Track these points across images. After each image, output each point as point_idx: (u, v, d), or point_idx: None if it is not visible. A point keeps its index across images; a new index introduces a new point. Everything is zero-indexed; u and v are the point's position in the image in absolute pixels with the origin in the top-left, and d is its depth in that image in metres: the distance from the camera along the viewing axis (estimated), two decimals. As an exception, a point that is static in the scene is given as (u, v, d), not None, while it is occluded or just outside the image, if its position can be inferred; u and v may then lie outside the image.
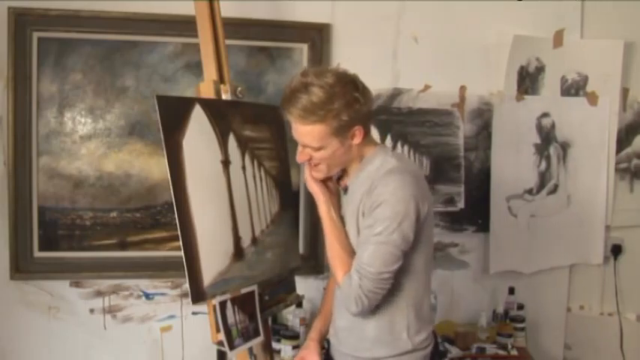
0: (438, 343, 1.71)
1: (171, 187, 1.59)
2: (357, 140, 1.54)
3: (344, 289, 1.53)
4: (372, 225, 1.49)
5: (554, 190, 2.63)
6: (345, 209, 1.66)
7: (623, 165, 2.70)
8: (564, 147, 2.64)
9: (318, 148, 1.54)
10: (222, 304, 1.69)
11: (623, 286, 2.70)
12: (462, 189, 2.57)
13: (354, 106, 1.49)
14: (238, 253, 1.77)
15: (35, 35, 2.24)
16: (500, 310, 2.54)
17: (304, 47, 2.43)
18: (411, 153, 2.53)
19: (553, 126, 2.62)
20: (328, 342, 1.79)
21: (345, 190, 1.67)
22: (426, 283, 1.63)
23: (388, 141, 2.51)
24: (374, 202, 1.49)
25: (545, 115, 2.61)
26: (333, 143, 1.52)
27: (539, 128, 2.61)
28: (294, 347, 2.22)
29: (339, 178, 1.72)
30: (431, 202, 1.57)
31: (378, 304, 1.54)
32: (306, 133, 1.52)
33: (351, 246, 1.59)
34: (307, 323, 2.35)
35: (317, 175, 1.63)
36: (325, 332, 1.82)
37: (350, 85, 1.50)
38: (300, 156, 1.60)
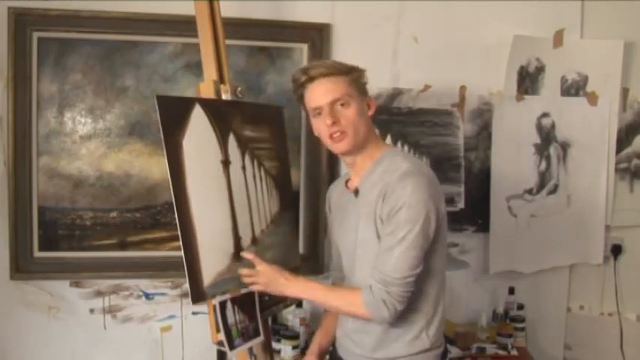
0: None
1: (171, 187, 1.59)
2: (371, 111, 1.63)
3: (368, 303, 1.51)
4: (394, 231, 1.49)
5: (554, 190, 2.63)
6: (357, 212, 1.63)
7: (623, 165, 2.70)
8: (564, 147, 2.64)
9: (347, 103, 1.57)
10: (222, 304, 1.69)
11: (623, 286, 2.70)
12: (462, 189, 2.57)
13: (363, 77, 1.64)
14: (238, 253, 1.77)
15: (35, 35, 2.24)
16: (500, 310, 2.54)
17: (304, 47, 2.43)
18: (411, 153, 2.53)
19: (553, 126, 2.62)
20: (333, 345, 1.79)
21: (356, 192, 1.66)
22: (442, 281, 1.63)
23: (388, 141, 2.51)
24: (393, 207, 1.50)
25: (545, 115, 2.61)
26: (357, 100, 1.59)
27: (539, 128, 2.61)
28: (294, 347, 2.22)
29: (347, 181, 1.72)
30: (444, 202, 1.58)
31: None
32: (335, 86, 1.57)
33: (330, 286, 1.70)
34: (307, 323, 2.36)
35: (341, 145, 1.59)
36: (326, 347, 1.84)
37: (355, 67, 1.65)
38: (327, 118, 1.57)
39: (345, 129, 1.58)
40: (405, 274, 1.48)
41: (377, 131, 1.72)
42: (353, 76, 1.59)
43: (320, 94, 1.58)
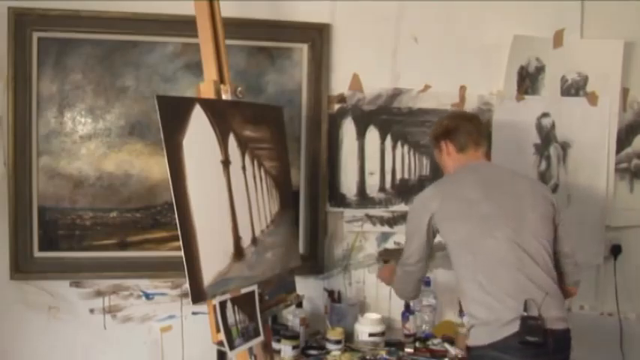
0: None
1: (171, 187, 1.59)
2: (444, 154, 2.08)
3: None
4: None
5: (554, 190, 2.62)
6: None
7: (623, 165, 2.70)
8: (564, 147, 2.64)
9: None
10: (222, 304, 1.69)
11: (623, 286, 2.70)
12: (462, 189, 2.57)
13: (434, 129, 2.16)
14: (238, 253, 1.77)
15: (35, 35, 2.24)
16: (501, 310, 2.54)
17: (304, 47, 2.43)
18: (411, 153, 2.53)
19: (553, 126, 2.62)
20: None
21: None
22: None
23: (388, 141, 2.51)
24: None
25: (545, 115, 2.61)
26: (435, 150, 2.15)
27: (539, 128, 2.61)
28: (294, 347, 2.22)
29: None
30: (451, 199, 1.92)
31: None
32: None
33: None
34: (307, 323, 2.36)
35: None
36: None
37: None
38: None
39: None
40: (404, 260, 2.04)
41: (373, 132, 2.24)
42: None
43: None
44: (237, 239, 1.78)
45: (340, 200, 2.51)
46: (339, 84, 2.47)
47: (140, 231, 2.36)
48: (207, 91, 1.87)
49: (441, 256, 2.58)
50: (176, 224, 1.60)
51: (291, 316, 2.36)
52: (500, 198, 1.89)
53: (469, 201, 1.88)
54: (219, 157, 1.78)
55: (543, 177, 2.62)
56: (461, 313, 2.40)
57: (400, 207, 2.54)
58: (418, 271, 2.03)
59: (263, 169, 1.97)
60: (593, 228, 2.66)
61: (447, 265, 2.58)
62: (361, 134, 2.50)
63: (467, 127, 2.04)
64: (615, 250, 2.70)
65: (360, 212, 2.52)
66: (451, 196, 1.93)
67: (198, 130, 1.71)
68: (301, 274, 2.31)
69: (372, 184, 2.53)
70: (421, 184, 2.53)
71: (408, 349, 2.24)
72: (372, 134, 2.51)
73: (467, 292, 1.86)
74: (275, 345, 2.22)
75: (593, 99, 2.62)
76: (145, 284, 2.41)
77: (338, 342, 2.26)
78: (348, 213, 2.52)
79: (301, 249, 2.42)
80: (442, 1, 2.50)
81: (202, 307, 2.06)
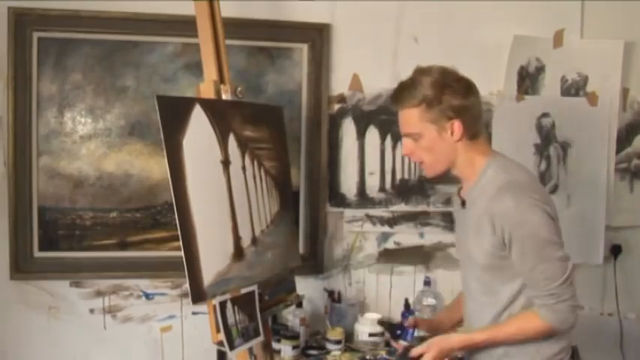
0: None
1: (171, 187, 1.59)
2: (456, 136, 1.55)
3: (554, 319, 1.49)
4: (524, 252, 1.49)
5: (554, 190, 2.62)
6: (465, 224, 1.64)
7: (623, 165, 2.70)
8: (564, 147, 2.64)
9: (417, 136, 1.57)
10: (222, 304, 1.69)
11: (623, 286, 2.70)
12: (462, 189, 2.57)
13: (448, 96, 1.53)
14: (238, 253, 1.77)
15: (35, 35, 2.24)
16: (501, 310, 2.54)
17: (304, 47, 2.43)
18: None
19: (553, 126, 2.62)
20: None
21: (463, 204, 1.66)
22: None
23: (388, 141, 2.51)
24: (504, 232, 1.49)
25: (545, 115, 2.61)
26: (429, 132, 1.55)
27: (539, 128, 2.61)
28: (294, 347, 2.22)
29: (460, 188, 1.71)
30: (551, 201, 1.59)
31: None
32: (404, 117, 1.59)
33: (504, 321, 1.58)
34: (307, 323, 2.36)
35: (425, 172, 1.65)
36: (445, 324, 1.84)
37: (450, 77, 1.56)
38: (403, 147, 1.64)
39: (420, 159, 1.62)
40: (563, 278, 1.48)
41: (483, 137, 1.64)
42: (422, 104, 1.54)
43: (399, 123, 1.63)
44: (237, 239, 1.78)
45: (340, 200, 2.51)
46: (339, 84, 2.47)
47: (140, 231, 2.35)
48: (207, 91, 1.87)
49: (441, 257, 2.59)
50: (176, 224, 1.60)
51: (291, 316, 2.36)
52: None
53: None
54: (219, 157, 1.78)
55: (543, 177, 2.62)
56: None
57: (400, 207, 2.54)
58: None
59: (263, 169, 1.97)
60: (593, 228, 2.66)
61: (447, 265, 2.59)
62: (361, 134, 2.50)
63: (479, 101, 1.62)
64: (615, 250, 2.70)
65: (360, 212, 2.52)
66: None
67: (198, 130, 1.71)
68: (301, 274, 2.31)
69: (372, 184, 2.53)
70: (421, 184, 2.53)
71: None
72: (372, 134, 2.51)
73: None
74: (275, 345, 2.22)
75: (593, 99, 2.62)
76: (145, 284, 2.41)
77: (338, 342, 2.26)
78: (348, 213, 2.52)
79: (301, 249, 2.42)
80: (442, 1, 2.50)
81: (202, 307, 2.06)
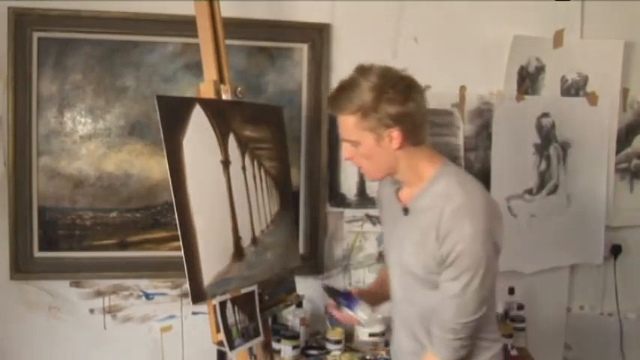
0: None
1: (171, 187, 1.60)
2: (395, 144, 1.48)
3: (445, 355, 1.49)
4: (458, 277, 1.43)
5: (554, 190, 2.63)
6: (405, 231, 1.57)
7: (623, 165, 2.70)
8: (564, 147, 2.63)
9: (355, 143, 1.52)
10: (222, 304, 1.69)
11: (623, 286, 2.69)
12: (462, 189, 2.57)
13: (385, 103, 1.45)
14: (238, 253, 1.77)
15: (35, 35, 2.24)
16: (500, 310, 2.54)
17: (304, 47, 2.43)
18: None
19: (553, 126, 2.62)
20: None
21: (405, 211, 1.57)
22: (494, 303, 1.60)
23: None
24: (451, 252, 1.43)
25: (545, 115, 2.61)
26: (367, 140, 1.49)
27: (539, 128, 2.61)
28: (294, 347, 2.22)
29: (397, 189, 1.63)
30: (502, 226, 1.49)
31: None
32: (342, 124, 1.53)
33: None
34: (307, 323, 2.36)
35: (365, 176, 1.63)
36: (376, 297, 1.77)
37: (390, 81, 1.47)
38: (343, 151, 1.60)
39: (360, 165, 1.57)
40: (471, 318, 1.45)
41: (428, 143, 1.56)
42: (359, 112, 1.46)
43: (338, 126, 1.56)
44: (237, 239, 1.78)
45: (340, 200, 2.51)
46: (339, 84, 2.47)
47: (140, 231, 2.35)
48: (207, 91, 1.87)
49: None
50: (176, 224, 1.60)
51: (291, 316, 2.36)
52: None
53: None
54: (219, 157, 1.78)
55: (543, 177, 2.62)
56: None
57: (400, 207, 2.53)
58: None
59: (263, 169, 1.97)
60: (593, 228, 2.66)
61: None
62: (361, 134, 2.50)
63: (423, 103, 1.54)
64: (615, 250, 2.70)
65: (360, 212, 2.52)
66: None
67: (198, 130, 1.72)
68: (301, 274, 2.31)
69: (372, 184, 2.52)
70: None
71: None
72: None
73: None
74: (275, 345, 2.22)
75: (593, 99, 2.62)
76: (145, 284, 2.41)
77: (338, 342, 2.26)
78: (348, 213, 2.52)
79: (301, 249, 2.42)
80: (442, 1, 2.50)
81: (202, 307, 2.05)
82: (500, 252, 1.49)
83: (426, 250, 1.48)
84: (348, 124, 1.50)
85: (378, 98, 1.45)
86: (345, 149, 1.56)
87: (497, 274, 1.51)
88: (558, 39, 2.57)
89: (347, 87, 1.50)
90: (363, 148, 1.51)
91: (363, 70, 1.50)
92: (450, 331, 1.46)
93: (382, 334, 2.30)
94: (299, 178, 2.45)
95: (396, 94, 1.45)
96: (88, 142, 2.32)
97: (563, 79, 2.62)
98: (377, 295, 1.78)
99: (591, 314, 2.72)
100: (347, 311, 1.67)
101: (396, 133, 1.47)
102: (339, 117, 1.52)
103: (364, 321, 1.68)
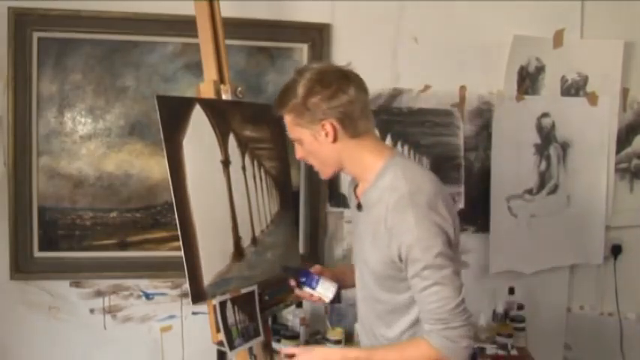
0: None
1: (171, 187, 1.59)
2: (330, 137, 1.47)
3: (443, 347, 1.40)
4: (418, 271, 1.39)
5: (554, 190, 2.63)
6: (361, 227, 1.56)
7: (623, 165, 2.70)
8: (564, 147, 2.64)
9: (299, 142, 1.54)
10: (222, 304, 1.69)
11: (623, 286, 2.69)
12: (461, 189, 2.57)
13: (315, 99, 1.46)
14: (238, 253, 1.77)
15: (35, 35, 2.24)
16: (500, 310, 2.54)
17: (304, 47, 2.43)
18: (411, 153, 2.53)
19: (553, 126, 2.62)
20: None
21: (359, 207, 1.56)
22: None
23: (388, 141, 2.51)
24: (401, 246, 1.40)
25: (545, 115, 2.61)
26: (305, 136, 1.51)
27: (539, 128, 2.61)
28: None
29: (355, 186, 1.61)
30: (455, 214, 1.46)
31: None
32: (286, 123, 1.55)
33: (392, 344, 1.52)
34: (307, 323, 2.36)
35: (321, 177, 1.60)
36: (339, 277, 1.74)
37: (322, 78, 1.48)
38: (295, 152, 1.60)
39: (312, 163, 1.58)
40: (455, 303, 1.39)
41: (372, 135, 1.55)
42: (292, 110, 1.49)
43: None
44: (237, 239, 1.78)
45: (340, 200, 2.50)
46: (339, 84, 2.47)
47: (140, 231, 2.36)
48: (207, 91, 1.87)
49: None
50: (176, 224, 1.60)
51: (291, 316, 2.36)
52: None
53: None
54: (219, 157, 1.78)
55: (543, 177, 2.62)
56: None
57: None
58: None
59: (263, 169, 1.97)
60: (593, 228, 2.66)
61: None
62: (361, 134, 2.50)
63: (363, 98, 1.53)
64: (615, 250, 2.70)
65: (360, 212, 2.52)
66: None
67: (198, 130, 1.72)
68: (301, 274, 2.30)
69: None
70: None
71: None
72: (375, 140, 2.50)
73: None
74: (275, 345, 2.22)
75: (593, 99, 2.62)
76: (145, 284, 2.41)
77: (338, 342, 2.26)
78: (348, 213, 2.51)
79: (301, 249, 2.42)
80: (442, 1, 2.50)
81: (202, 307, 2.05)
82: (455, 239, 1.45)
83: (379, 245, 1.46)
84: (287, 123, 1.54)
85: (308, 94, 1.47)
86: (296, 149, 1.58)
87: (459, 258, 1.49)
88: (558, 39, 2.57)
89: (284, 88, 1.54)
90: (305, 145, 1.53)
91: (300, 70, 1.53)
92: (438, 321, 1.40)
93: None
94: (299, 178, 2.45)
95: (324, 88, 1.46)
96: (88, 142, 2.32)
97: (563, 79, 2.62)
98: (339, 277, 1.75)
99: (591, 314, 2.72)
100: (308, 290, 1.68)
101: (328, 126, 1.47)
102: (284, 118, 1.55)
103: (326, 297, 1.67)
